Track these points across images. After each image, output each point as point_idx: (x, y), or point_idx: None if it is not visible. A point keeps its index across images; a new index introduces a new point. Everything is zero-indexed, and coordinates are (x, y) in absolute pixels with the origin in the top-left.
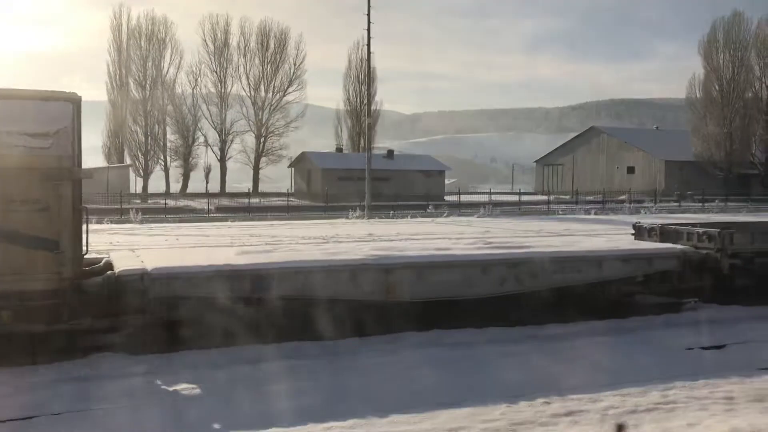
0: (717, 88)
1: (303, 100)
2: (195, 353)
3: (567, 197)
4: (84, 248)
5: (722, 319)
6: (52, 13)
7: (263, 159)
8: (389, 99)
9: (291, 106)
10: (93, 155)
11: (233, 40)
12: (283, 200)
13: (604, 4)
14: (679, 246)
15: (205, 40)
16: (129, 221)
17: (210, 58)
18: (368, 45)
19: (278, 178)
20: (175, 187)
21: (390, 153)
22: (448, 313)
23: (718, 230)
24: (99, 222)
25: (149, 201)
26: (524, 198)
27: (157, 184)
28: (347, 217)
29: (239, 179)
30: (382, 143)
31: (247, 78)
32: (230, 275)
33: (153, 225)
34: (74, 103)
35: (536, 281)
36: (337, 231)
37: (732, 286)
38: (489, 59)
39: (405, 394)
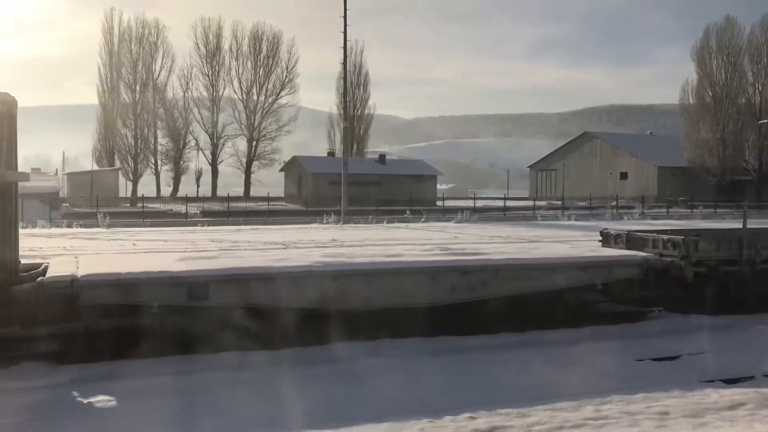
0: (710, 93)
1: (296, 103)
2: (121, 363)
3: (558, 203)
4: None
5: (683, 329)
6: (57, 16)
7: (255, 163)
8: (390, 104)
9: (284, 109)
10: (90, 158)
11: (225, 44)
12: (273, 204)
13: (604, 11)
14: (641, 253)
15: (197, 44)
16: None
17: (202, 62)
18: (344, 48)
19: (272, 182)
20: (168, 190)
21: (382, 158)
22: (397, 322)
23: (682, 237)
24: (69, 225)
25: (138, 204)
26: (511, 203)
27: (151, 187)
28: (321, 222)
29: (234, 183)
30: (381, 147)
31: (239, 82)
32: (164, 282)
33: (120, 229)
34: (5, 104)
35: (489, 289)
36: (302, 236)
37: (697, 294)
38: (490, 65)
39: (325, 410)
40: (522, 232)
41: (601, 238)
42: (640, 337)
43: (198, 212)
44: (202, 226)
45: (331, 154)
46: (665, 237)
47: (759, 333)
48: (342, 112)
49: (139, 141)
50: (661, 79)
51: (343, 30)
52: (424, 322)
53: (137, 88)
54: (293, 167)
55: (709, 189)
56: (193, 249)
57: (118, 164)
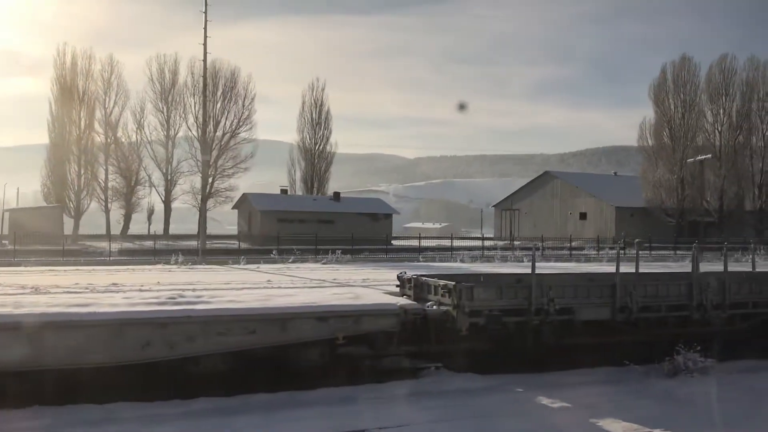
0: (667, 133)
1: (253, 137)
2: None
3: (518, 243)
4: None
5: (439, 391)
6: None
7: (210, 200)
8: (394, 143)
9: (241, 146)
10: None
11: (181, 80)
12: (223, 242)
13: (607, 52)
14: (400, 302)
15: (152, 80)
16: None
17: (157, 98)
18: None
19: (230, 219)
20: (120, 228)
21: (336, 195)
22: (65, 385)
23: (454, 284)
24: None
25: (79, 243)
26: (430, 243)
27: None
28: (169, 263)
29: (191, 220)
30: (379, 186)
31: (195, 118)
32: None
33: None
34: None
35: (196, 345)
36: (87, 280)
37: (475, 349)
38: (493, 105)
39: None
40: (364, 275)
41: (398, 283)
42: (356, 403)
43: (115, 250)
44: (103, 265)
45: (284, 191)
46: (441, 283)
47: (505, 400)
48: (302, 147)
49: (83, 177)
50: None
51: (203, 57)
52: (104, 385)
53: (82, 124)
54: (244, 204)
55: (668, 230)
56: None
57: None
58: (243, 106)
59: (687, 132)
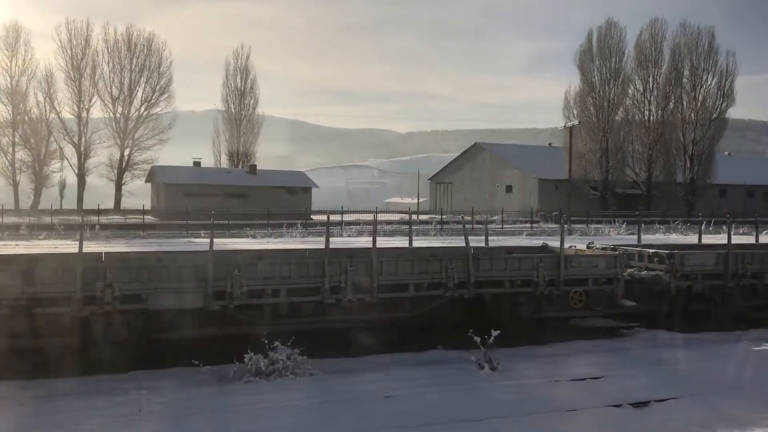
0: (592, 101)
1: (173, 110)
2: None
3: (439, 217)
4: None
5: None
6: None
7: (127, 174)
8: (388, 117)
9: (161, 116)
10: None
11: (93, 47)
12: (137, 218)
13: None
14: None
15: (63, 47)
16: None
17: (68, 66)
18: None
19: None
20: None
21: (252, 168)
22: None
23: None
24: None
25: None
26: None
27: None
28: None
29: (111, 195)
30: (366, 161)
31: (109, 88)
32: None
33: None
34: None
35: None
36: None
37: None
38: (486, 80)
39: None
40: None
41: None
42: None
43: None
44: None
45: (197, 163)
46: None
47: None
48: (226, 117)
49: None
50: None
51: None
52: None
53: None
54: (155, 178)
55: (594, 203)
56: None
57: None
58: (159, 74)
59: (612, 101)
